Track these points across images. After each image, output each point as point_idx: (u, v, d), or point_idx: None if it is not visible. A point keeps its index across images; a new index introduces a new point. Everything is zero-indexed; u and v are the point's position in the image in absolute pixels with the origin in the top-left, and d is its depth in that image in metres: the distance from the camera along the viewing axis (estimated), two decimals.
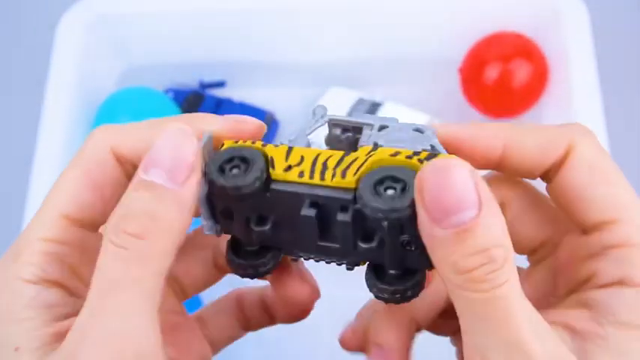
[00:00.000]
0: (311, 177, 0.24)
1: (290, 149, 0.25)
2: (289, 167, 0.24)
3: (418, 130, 0.26)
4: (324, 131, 0.28)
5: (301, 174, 0.24)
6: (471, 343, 0.23)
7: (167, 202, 0.22)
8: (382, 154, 0.24)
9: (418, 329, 0.32)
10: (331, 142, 0.28)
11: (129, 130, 0.26)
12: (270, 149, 0.25)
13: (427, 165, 0.22)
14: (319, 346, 0.61)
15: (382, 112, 0.70)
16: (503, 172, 0.28)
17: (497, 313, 0.22)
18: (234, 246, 0.27)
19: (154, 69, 0.78)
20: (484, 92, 0.70)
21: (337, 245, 0.26)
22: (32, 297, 0.23)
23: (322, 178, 0.24)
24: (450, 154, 0.26)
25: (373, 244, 0.25)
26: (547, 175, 0.27)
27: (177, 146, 0.23)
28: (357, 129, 0.27)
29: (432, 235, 0.22)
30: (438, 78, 0.75)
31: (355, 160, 0.24)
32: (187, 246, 0.29)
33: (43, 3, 0.85)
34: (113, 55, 0.76)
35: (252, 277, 0.27)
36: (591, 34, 0.67)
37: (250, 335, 0.35)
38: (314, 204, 0.24)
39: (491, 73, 0.69)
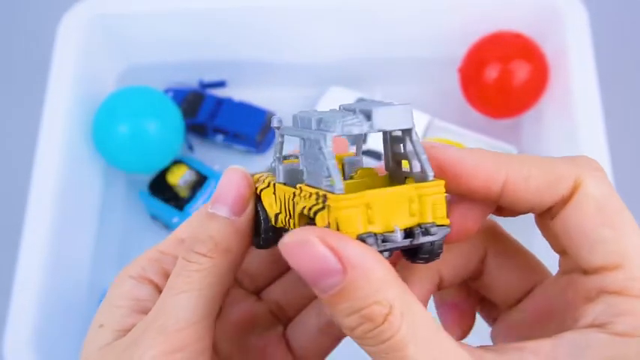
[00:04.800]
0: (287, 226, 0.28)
1: (275, 190, 0.28)
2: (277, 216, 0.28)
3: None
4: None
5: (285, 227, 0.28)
6: None
7: (228, 229, 0.28)
8: (299, 218, 0.26)
9: (441, 286, 0.30)
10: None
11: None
12: (264, 196, 0.28)
13: (282, 240, 0.23)
14: None
15: None
16: (501, 206, 0.28)
17: None
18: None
19: (154, 69, 0.78)
20: (484, 92, 0.70)
21: None
22: (128, 290, 0.29)
23: (289, 225, 0.28)
24: (439, 178, 0.25)
25: None
26: (549, 211, 0.26)
27: (237, 185, 0.28)
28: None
29: (317, 294, 0.23)
30: (438, 78, 0.75)
31: (295, 206, 0.27)
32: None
33: (43, 3, 0.85)
34: (113, 55, 0.77)
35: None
36: (591, 34, 0.67)
37: None
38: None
39: (491, 73, 0.69)
